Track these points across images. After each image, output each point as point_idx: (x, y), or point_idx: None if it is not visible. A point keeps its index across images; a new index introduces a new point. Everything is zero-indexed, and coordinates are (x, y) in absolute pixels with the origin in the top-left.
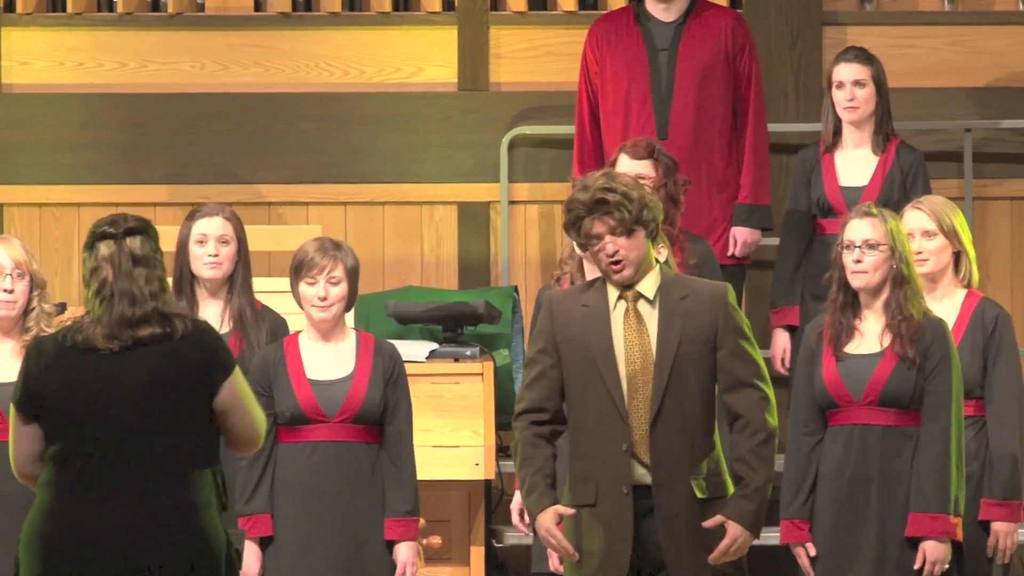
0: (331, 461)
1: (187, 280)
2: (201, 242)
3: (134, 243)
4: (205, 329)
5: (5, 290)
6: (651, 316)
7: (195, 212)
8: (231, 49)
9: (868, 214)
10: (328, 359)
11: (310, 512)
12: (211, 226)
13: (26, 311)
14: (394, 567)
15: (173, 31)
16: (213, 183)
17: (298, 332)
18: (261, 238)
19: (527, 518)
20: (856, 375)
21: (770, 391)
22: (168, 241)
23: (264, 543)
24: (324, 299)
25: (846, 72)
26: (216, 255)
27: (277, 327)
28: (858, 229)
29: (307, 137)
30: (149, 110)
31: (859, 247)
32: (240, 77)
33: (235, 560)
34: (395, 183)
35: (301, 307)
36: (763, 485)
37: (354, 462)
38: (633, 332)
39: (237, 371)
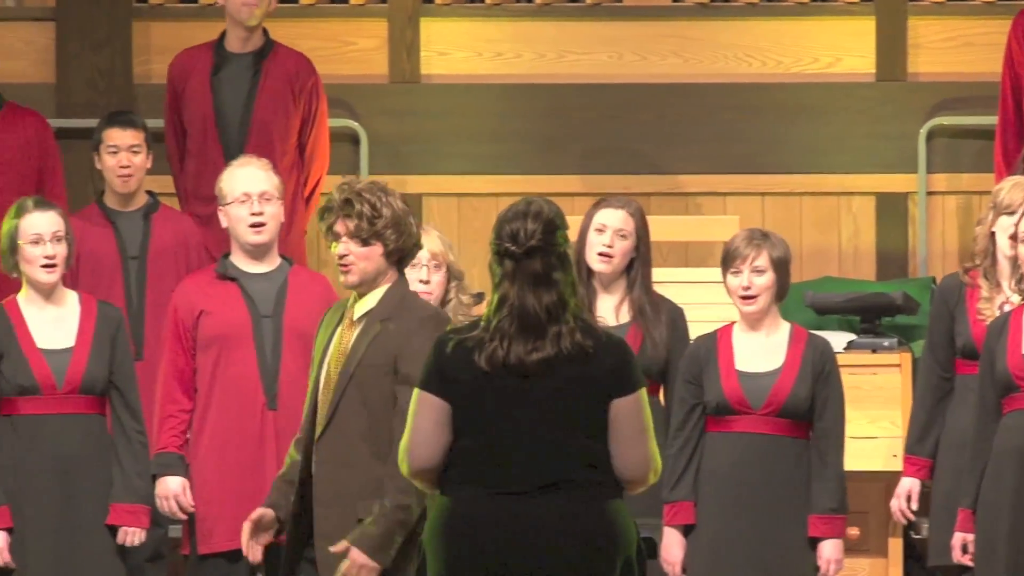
0: (754, 454)
1: (582, 270)
2: (600, 231)
3: (533, 265)
4: (619, 342)
5: (421, 280)
6: (356, 333)
7: (601, 201)
8: (649, 39)
9: None
10: (759, 352)
11: (732, 504)
12: (613, 217)
13: (444, 303)
14: (814, 564)
15: (591, 21)
16: (630, 173)
17: (733, 323)
18: (678, 228)
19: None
20: None
21: None
22: None
23: (686, 530)
24: (747, 289)
25: None
26: (611, 246)
27: (676, 316)
28: None
29: (725, 127)
30: (567, 100)
31: None
32: (658, 68)
33: (644, 551)
34: (812, 173)
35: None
36: (390, 510)
37: (778, 456)
38: (339, 344)
39: (642, 393)
